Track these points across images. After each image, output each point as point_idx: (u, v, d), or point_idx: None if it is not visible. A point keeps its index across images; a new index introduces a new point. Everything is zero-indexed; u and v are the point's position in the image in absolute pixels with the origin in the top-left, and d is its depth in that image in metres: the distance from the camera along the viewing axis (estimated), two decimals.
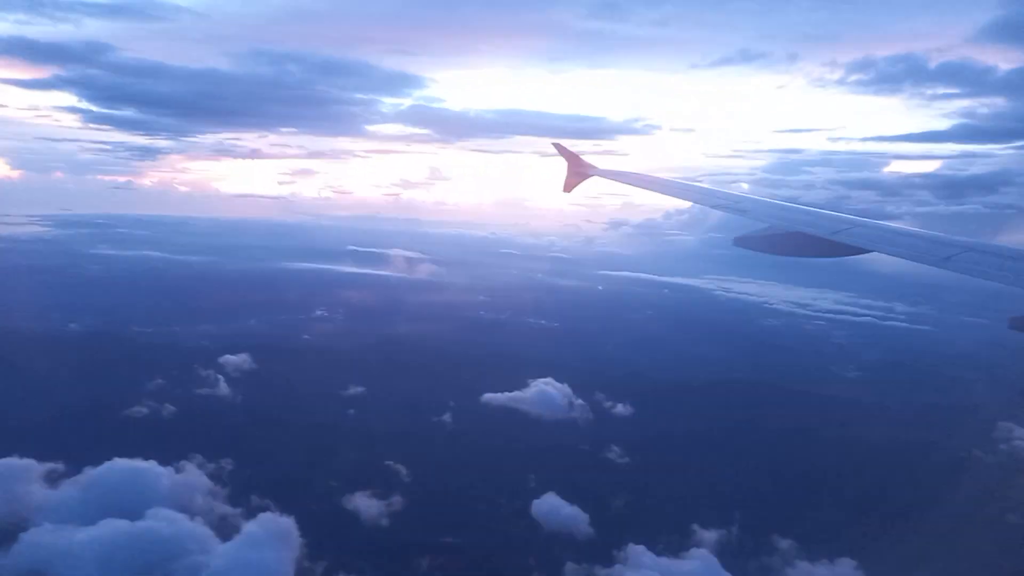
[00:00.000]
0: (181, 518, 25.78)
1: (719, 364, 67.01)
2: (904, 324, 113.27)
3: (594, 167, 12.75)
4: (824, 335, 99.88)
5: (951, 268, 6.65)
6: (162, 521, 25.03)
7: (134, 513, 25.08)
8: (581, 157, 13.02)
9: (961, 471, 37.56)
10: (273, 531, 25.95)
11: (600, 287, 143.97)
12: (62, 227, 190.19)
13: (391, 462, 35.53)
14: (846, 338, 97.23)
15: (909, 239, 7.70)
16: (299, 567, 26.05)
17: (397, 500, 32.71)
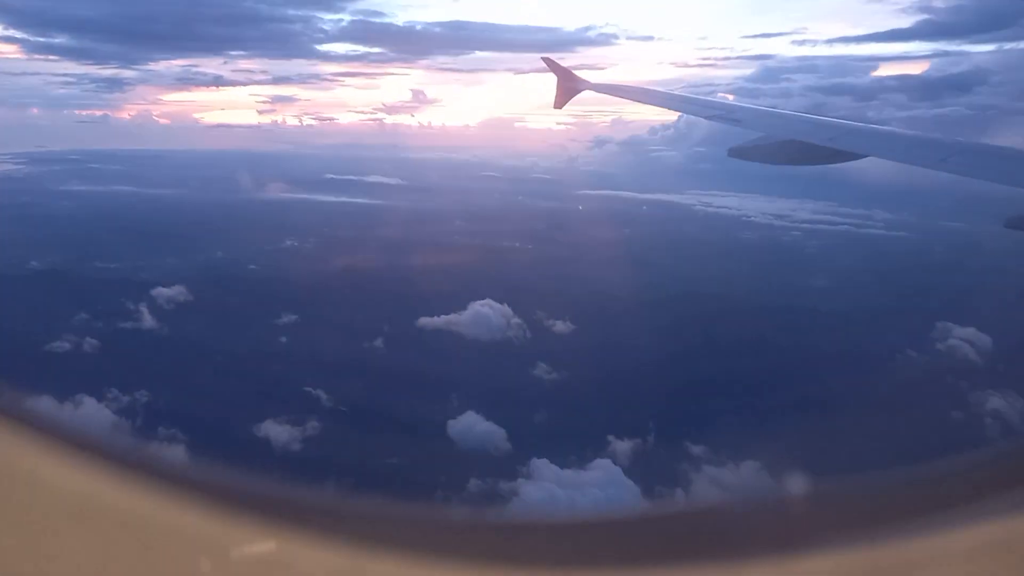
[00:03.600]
0: None
1: (684, 279, 66.59)
2: (881, 231, 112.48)
3: (585, 81, 12.39)
4: (798, 245, 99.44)
5: (946, 170, 6.63)
6: None
7: None
8: (572, 71, 12.58)
9: (889, 371, 37.56)
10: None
11: (580, 207, 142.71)
12: (34, 164, 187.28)
13: (310, 388, 35.33)
14: (819, 248, 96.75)
15: (903, 142, 7.68)
16: None
17: (313, 426, 32.61)
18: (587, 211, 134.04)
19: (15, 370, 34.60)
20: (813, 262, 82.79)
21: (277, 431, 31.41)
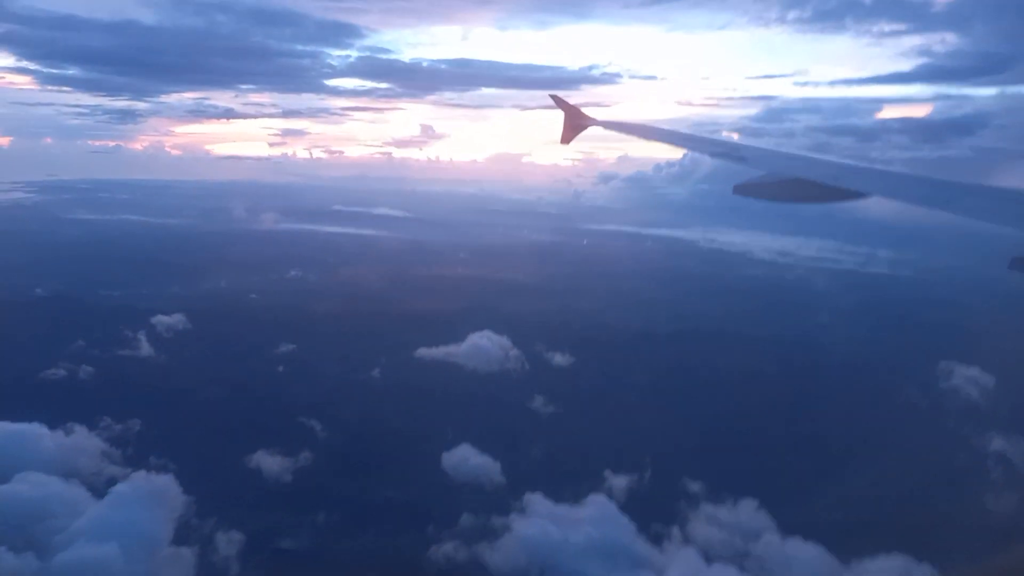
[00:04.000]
0: (53, 481, 25.33)
1: (687, 315, 66.25)
2: (885, 271, 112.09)
3: (592, 118, 12.55)
4: (802, 283, 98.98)
5: (950, 211, 6.59)
6: (29, 484, 24.57)
7: (1, 478, 24.58)
8: (579, 108, 12.82)
9: (891, 411, 37.03)
10: (146, 490, 25.48)
11: (585, 241, 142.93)
12: (45, 193, 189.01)
13: (304, 419, 35.02)
14: (824, 285, 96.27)
15: (908, 183, 7.74)
16: (182, 524, 25.62)
17: (305, 456, 32.25)
18: (591, 246, 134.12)
19: (9, 398, 34.47)
20: (816, 300, 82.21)
21: (269, 462, 31.07)
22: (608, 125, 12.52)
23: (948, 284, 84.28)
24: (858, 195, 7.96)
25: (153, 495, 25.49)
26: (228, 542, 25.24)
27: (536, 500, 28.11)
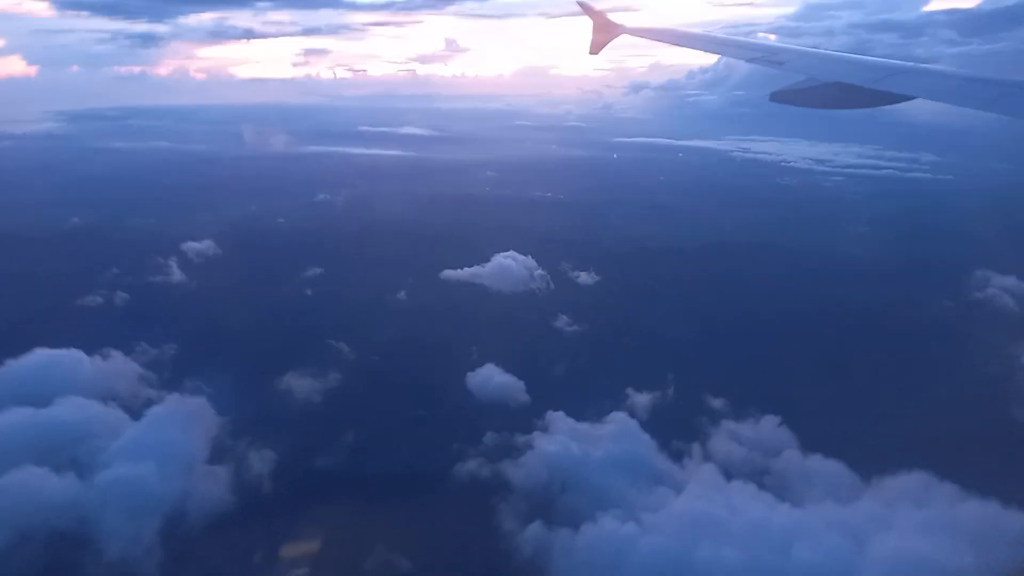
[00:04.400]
0: (93, 404, 26.42)
1: (717, 228, 65.15)
2: (927, 175, 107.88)
3: (621, 25, 11.98)
4: (839, 191, 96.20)
5: (998, 111, 6.38)
6: (70, 407, 25.68)
7: (44, 402, 25.71)
8: (607, 15, 12.19)
9: (922, 323, 36.38)
10: (181, 412, 26.48)
11: (615, 155, 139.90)
12: (76, 122, 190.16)
13: (332, 341, 35.71)
14: (861, 193, 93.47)
15: (953, 83, 7.41)
16: (217, 444, 26.67)
17: (334, 377, 33.06)
18: (621, 159, 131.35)
19: (49, 325, 35.72)
20: (853, 208, 79.98)
21: (299, 383, 31.92)
22: (638, 32, 11.92)
23: (991, 189, 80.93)
24: (901, 98, 7.68)
25: (188, 416, 26.49)
26: (261, 460, 26.26)
27: (558, 418, 28.53)
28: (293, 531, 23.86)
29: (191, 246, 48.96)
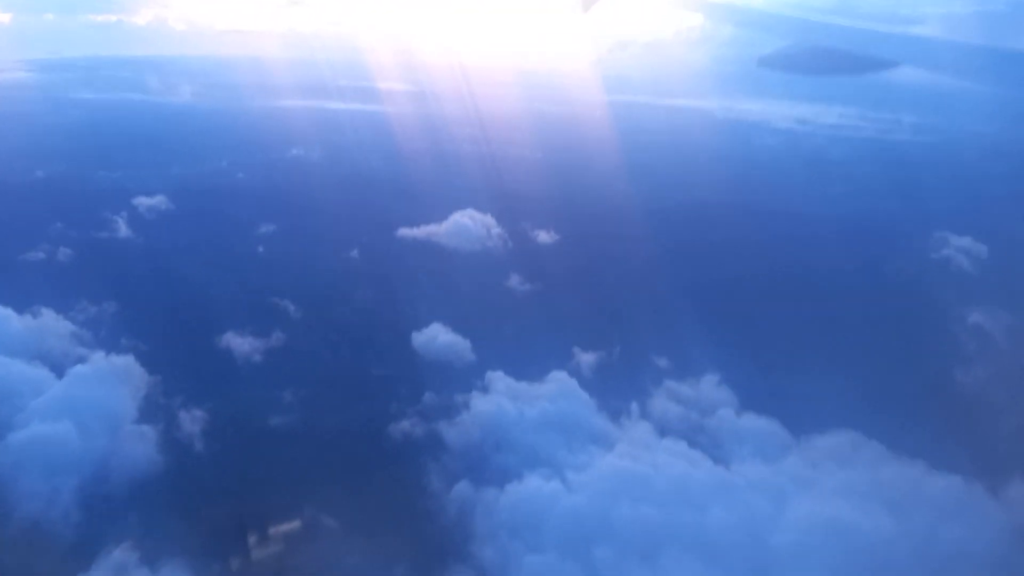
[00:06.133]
0: (15, 363, 25.80)
1: (686, 188, 64.25)
2: (907, 137, 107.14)
3: None
4: (818, 152, 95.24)
5: (985, 79, 7.01)
6: None
7: None
8: None
9: (873, 283, 36.21)
10: (108, 370, 25.93)
11: (595, 113, 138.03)
12: (47, 71, 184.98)
13: (278, 300, 35.06)
14: (840, 155, 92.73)
15: (937, 49, 7.92)
16: (146, 404, 26.19)
17: (277, 337, 32.48)
18: (601, 117, 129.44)
19: None
20: (829, 169, 79.47)
21: (239, 342, 31.35)
22: None
23: (969, 151, 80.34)
24: (888, 64, 7.67)
25: (115, 375, 25.95)
26: (192, 420, 25.84)
27: (497, 377, 28.19)
28: (219, 490, 23.58)
29: (142, 201, 47.79)
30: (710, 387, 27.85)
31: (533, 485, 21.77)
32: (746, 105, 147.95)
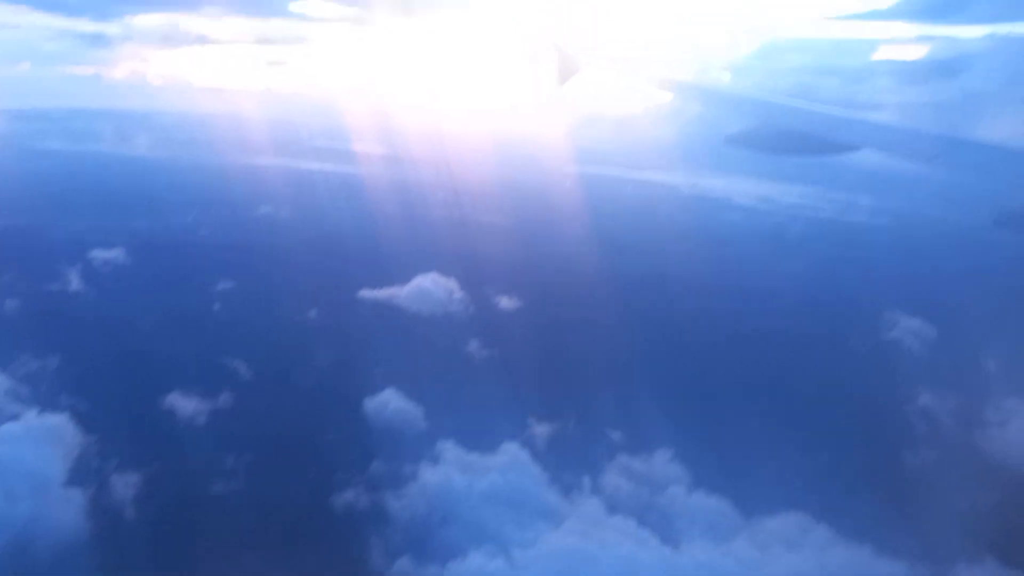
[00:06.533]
0: None
1: (653, 261, 65.26)
2: (864, 219, 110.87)
3: (586, 57, 11.71)
4: (778, 231, 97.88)
5: (940, 166, 6.76)
6: None
7: None
8: (569, 50, 11.81)
9: (822, 361, 36.75)
10: (41, 429, 24.90)
11: (563, 182, 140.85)
12: (19, 121, 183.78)
13: (230, 360, 34.30)
14: (798, 233, 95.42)
15: (898, 136, 7.94)
16: (78, 466, 25.09)
17: (225, 398, 31.64)
18: (571, 188, 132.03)
19: None
20: (789, 248, 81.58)
21: (184, 403, 30.45)
22: (599, 64, 12.01)
23: (920, 235, 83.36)
24: (848, 147, 8.10)
25: (49, 433, 24.91)
26: (125, 485, 24.77)
27: (448, 447, 27.66)
28: (147, 560, 22.42)
29: (98, 254, 46.98)
30: (662, 463, 27.61)
31: (476, 563, 21.11)
32: (711, 181, 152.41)
